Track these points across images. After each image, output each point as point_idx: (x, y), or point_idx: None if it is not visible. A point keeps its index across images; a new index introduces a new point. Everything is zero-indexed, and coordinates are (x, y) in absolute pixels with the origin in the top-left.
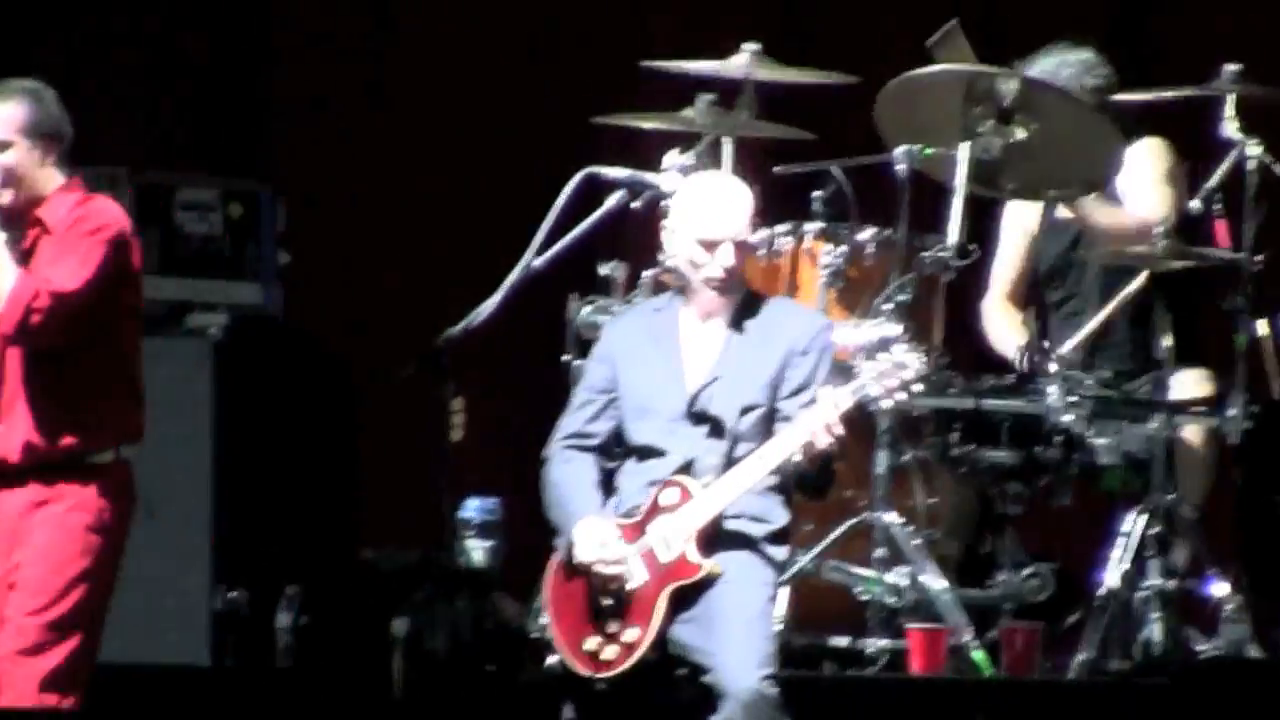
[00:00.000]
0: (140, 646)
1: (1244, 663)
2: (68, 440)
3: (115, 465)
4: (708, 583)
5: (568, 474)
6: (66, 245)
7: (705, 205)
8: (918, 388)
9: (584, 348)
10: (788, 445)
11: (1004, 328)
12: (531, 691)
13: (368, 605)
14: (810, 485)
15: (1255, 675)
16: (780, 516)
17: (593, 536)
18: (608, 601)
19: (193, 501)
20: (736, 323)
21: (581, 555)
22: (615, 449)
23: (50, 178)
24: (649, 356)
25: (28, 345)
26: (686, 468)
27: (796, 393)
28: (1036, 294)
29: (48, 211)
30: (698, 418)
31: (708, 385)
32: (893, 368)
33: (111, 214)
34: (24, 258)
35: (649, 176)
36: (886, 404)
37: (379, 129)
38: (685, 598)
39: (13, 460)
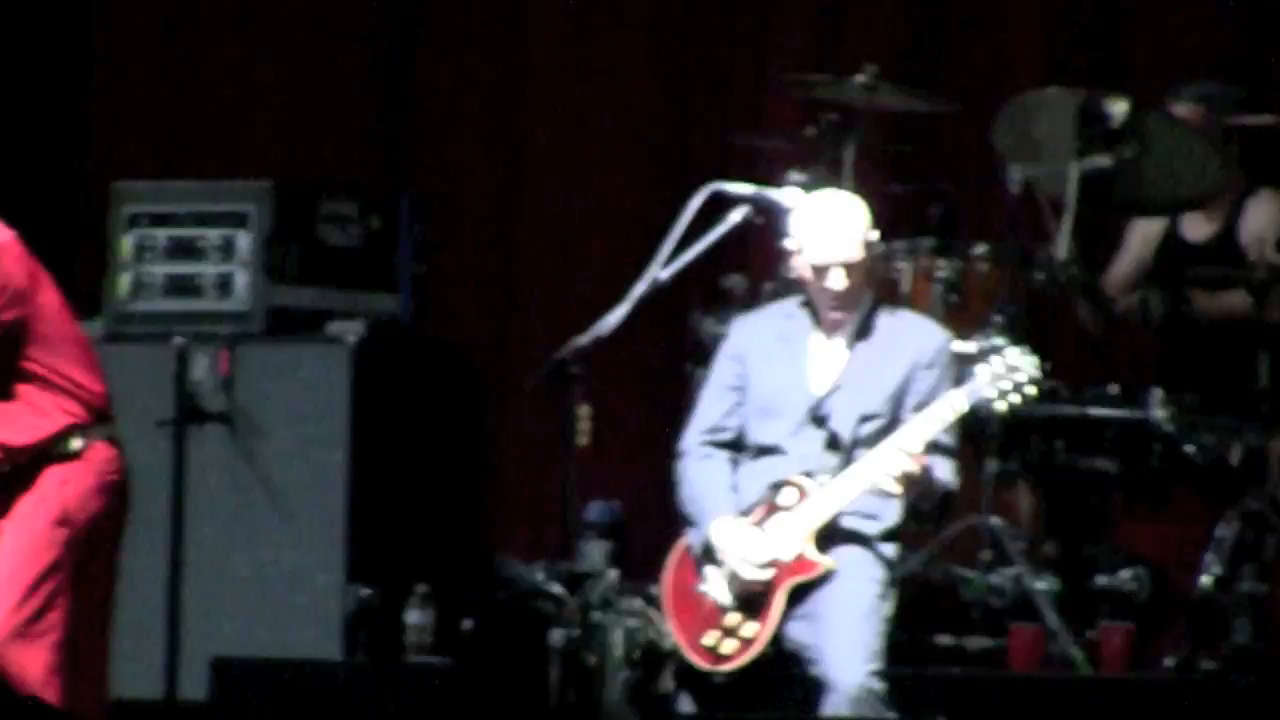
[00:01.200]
0: (274, 641)
1: None
2: None
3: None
4: (821, 579)
5: (705, 471)
6: None
7: (816, 230)
8: (1032, 390)
9: (705, 358)
10: (906, 447)
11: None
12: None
13: (520, 614)
14: (918, 515)
15: None
16: (892, 515)
17: (737, 539)
18: (728, 596)
19: (328, 501)
20: (861, 334)
21: (726, 557)
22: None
23: None
24: (777, 358)
25: None
26: (805, 476)
27: (922, 406)
28: None
29: None
30: (819, 422)
31: (830, 394)
32: (1007, 371)
33: None
34: None
35: (771, 193)
36: (1001, 406)
37: (516, 141)
38: (799, 594)
39: None
